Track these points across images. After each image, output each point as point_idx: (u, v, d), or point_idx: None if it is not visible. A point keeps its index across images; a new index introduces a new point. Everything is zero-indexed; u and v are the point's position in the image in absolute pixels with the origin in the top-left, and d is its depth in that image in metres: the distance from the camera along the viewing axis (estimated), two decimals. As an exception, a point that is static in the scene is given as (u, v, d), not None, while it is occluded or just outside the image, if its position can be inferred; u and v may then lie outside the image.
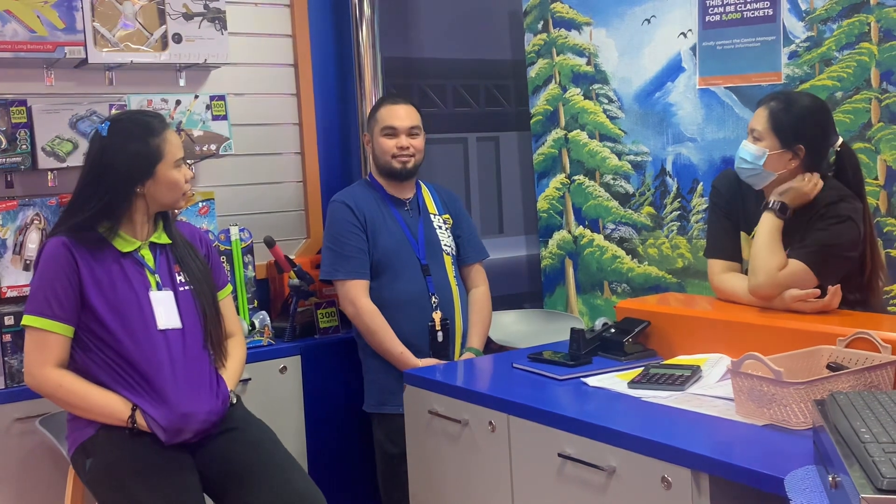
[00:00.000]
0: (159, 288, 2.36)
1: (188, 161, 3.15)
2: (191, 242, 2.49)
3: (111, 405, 2.26)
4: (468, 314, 3.07)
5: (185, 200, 2.44)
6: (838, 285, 2.26)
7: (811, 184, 2.37)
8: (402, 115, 3.02)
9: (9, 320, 2.71)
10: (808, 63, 2.85)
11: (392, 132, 3.01)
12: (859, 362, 1.89)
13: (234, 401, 2.44)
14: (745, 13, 2.97)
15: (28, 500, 2.70)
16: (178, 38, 3.07)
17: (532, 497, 2.10)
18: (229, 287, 2.61)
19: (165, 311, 2.34)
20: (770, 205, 2.39)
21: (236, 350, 2.53)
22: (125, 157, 2.31)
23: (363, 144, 3.28)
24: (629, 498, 1.84)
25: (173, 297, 2.37)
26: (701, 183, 3.15)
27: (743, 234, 2.54)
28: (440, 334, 2.95)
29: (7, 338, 2.70)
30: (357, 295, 2.92)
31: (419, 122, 3.05)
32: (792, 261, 2.32)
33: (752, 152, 2.40)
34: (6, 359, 2.70)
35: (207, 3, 3.12)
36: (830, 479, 1.32)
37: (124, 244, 2.35)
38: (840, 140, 2.46)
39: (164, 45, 3.05)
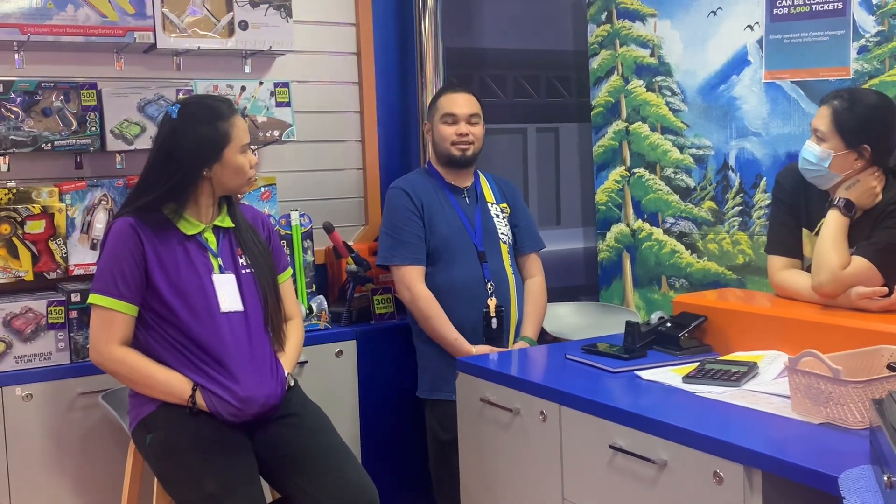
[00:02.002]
0: (222, 271, 2.40)
1: (252, 147, 3.20)
2: (253, 226, 2.53)
3: (173, 384, 2.31)
4: (523, 304, 3.07)
5: (250, 185, 2.48)
6: (904, 284, 2.22)
7: (879, 180, 2.33)
8: (462, 103, 3.03)
9: (75, 297, 2.78)
10: (878, 58, 2.78)
11: (452, 119, 3.02)
12: (921, 363, 1.85)
13: (292, 383, 2.47)
14: (813, 6, 2.92)
15: (90, 473, 2.78)
16: (244, 25, 3.12)
17: (582, 488, 2.10)
18: (289, 271, 2.65)
19: (228, 294, 2.38)
20: (835, 202, 2.35)
21: (294, 333, 2.56)
22: (194, 139, 2.34)
23: (423, 133, 3.29)
24: (680, 492, 1.83)
25: (235, 280, 2.41)
26: (764, 178, 3.11)
27: (805, 231, 2.50)
28: (494, 321, 2.95)
29: (73, 314, 2.78)
30: (413, 280, 2.94)
31: (479, 111, 3.06)
32: (856, 258, 2.28)
33: (817, 154, 2.36)
34: (72, 335, 2.78)
35: (273, -10, 3.16)
36: (886, 479, 1.30)
37: (189, 227, 2.39)
38: (907, 136, 2.40)
39: (231, 32, 3.10)
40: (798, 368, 1.82)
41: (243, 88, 3.17)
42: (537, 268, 3.16)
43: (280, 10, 3.17)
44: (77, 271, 2.87)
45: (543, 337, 3.14)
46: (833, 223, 2.33)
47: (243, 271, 2.44)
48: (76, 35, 2.85)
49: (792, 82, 3.00)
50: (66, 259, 2.85)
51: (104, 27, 2.89)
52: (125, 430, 2.49)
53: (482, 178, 3.16)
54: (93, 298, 2.34)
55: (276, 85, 3.22)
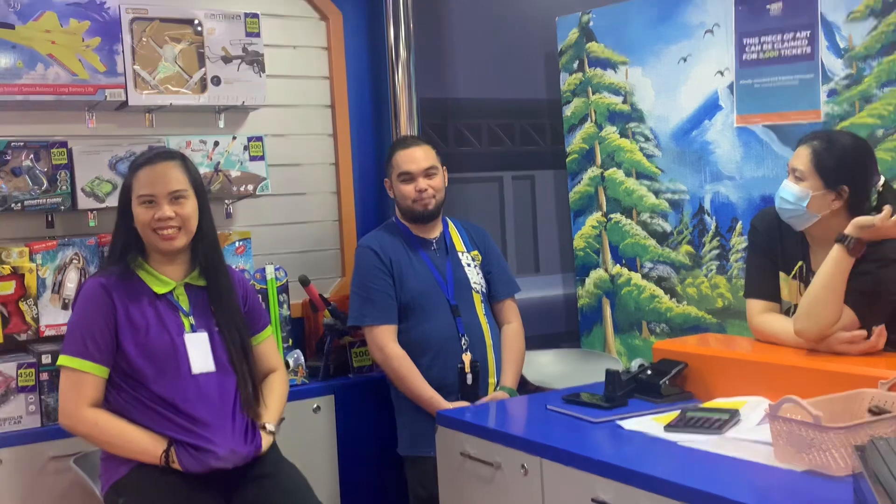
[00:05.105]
0: (193, 330, 2.37)
1: (227, 201, 3.18)
2: (231, 284, 2.49)
3: (146, 442, 2.27)
4: (501, 352, 3.03)
5: (164, 242, 2.34)
6: (883, 325, 2.21)
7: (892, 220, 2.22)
8: (417, 157, 3.00)
9: (46, 359, 2.73)
10: (847, 101, 2.80)
11: (409, 177, 2.99)
12: (903, 406, 1.83)
13: (271, 429, 2.42)
14: (782, 51, 2.95)
15: (62, 539, 2.70)
16: (216, 81, 3.11)
17: (565, 543, 2.06)
18: (269, 329, 2.60)
19: (200, 354, 2.35)
20: (845, 240, 2.24)
21: (277, 384, 2.53)
22: (122, 194, 2.40)
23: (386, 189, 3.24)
24: (664, 545, 1.79)
25: (208, 339, 2.38)
26: (740, 221, 3.11)
27: (782, 275, 2.49)
28: (469, 377, 2.91)
29: (44, 376, 2.73)
30: (385, 340, 2.90)
31: (435, 162, 3.03)
32: (845, 310, 2.25)
33: (795, 193, 2.36)
34: (42, 397, 2.72)
35: (246, 46, 3.16)
36: (871, 529, 1.27)
37: (159, 285, 2.37)
38: (882, 179, 2.41)
39: (204, 88, 3.10)
40: (779, 415, 1.80)
41: (216, 143, 3.15)
42: (514, 313, 3.13)
43: (253, 65, 3.17)
44: (48, 332, 2.82)
45: (525, 386, 3.10)
46: (835, 262, 2.23)
47: (216, 329, 2.40)
48: (46, 94, 2.84)
49: (764, 126, 3.02)
50: (36, 320, 2.80)
51: (75, 85, 2.88)
52: (97, 494, 2.43)
53: (451, 227, 3.13)
54: (63, 360, 2.30)
55: (249, 139, 3.21)
